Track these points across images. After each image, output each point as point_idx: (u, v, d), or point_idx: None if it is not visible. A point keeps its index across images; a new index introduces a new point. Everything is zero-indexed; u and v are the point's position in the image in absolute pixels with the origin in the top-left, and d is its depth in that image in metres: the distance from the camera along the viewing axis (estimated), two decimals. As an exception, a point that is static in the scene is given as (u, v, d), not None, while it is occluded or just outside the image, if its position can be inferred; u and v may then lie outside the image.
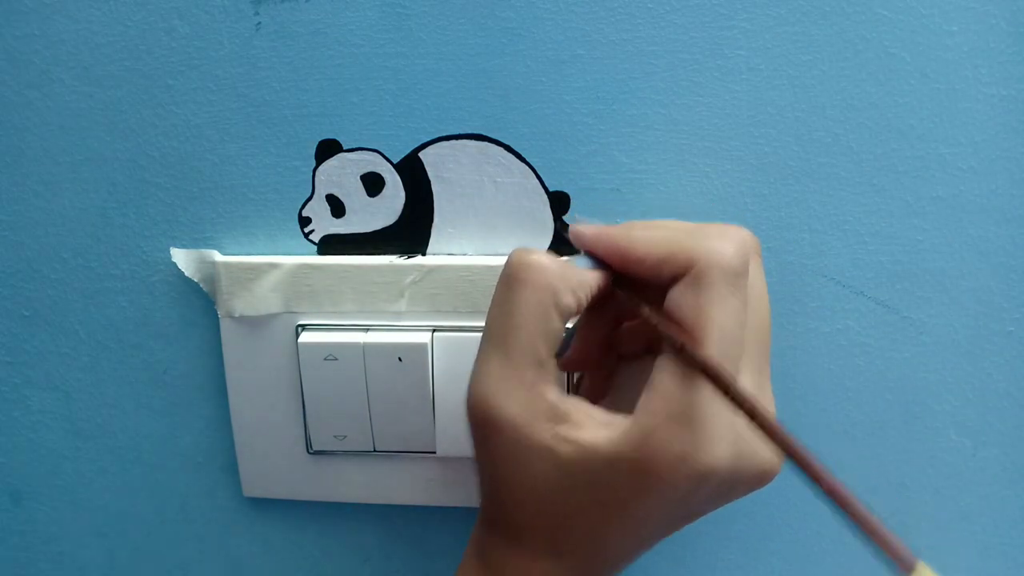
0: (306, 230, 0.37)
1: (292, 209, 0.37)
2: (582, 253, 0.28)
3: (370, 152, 0.35)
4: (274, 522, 0.41)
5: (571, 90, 0.34)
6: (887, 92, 0.33)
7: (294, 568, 0.42)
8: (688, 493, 0.26)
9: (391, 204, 0.36)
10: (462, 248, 0.36)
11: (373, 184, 0.36)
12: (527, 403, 0.27)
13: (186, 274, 0.37)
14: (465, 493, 0.38)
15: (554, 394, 0.27)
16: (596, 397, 0.31)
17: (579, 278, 0.27)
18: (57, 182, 0.37)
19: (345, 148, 0.36)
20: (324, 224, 0.37)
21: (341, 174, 0.36)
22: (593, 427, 0.26)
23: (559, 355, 0.31)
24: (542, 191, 0.35)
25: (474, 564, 0.30)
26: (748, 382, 0.27)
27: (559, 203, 0.35)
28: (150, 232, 0.37)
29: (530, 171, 0.35)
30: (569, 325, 0.29)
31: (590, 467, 0.26)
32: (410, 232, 0.36)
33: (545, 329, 0.27)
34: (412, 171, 0.35)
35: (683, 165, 0.34)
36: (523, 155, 0.35)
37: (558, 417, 0.26)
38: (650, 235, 0.27)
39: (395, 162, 0.35)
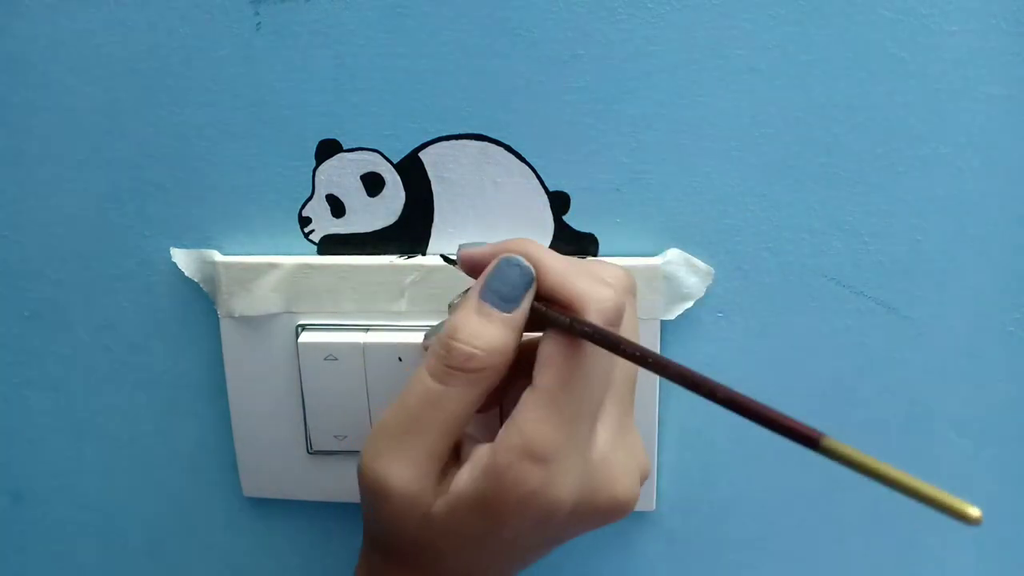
0: (306, 230, 0.37)
1: (292, 209, 0.37)
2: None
3: (370, 152, 0.35)
4: (274, 522, 0.41)
5: (571, 90, 0.34)
6: (887, 92, 0.33)
7: (294, 568, 0.42)
8: (540, 524, 0.27)
9: (391, 204, 0.36)
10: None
11: (373, 184, 0.36)
12: (416, 479, 0.27)
13: (186, 274, 0.37)
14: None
15: (449, 469, 0.28)
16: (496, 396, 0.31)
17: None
18: (57, 182, 0.37)
19: (345, 148, 0.35)
20: (324, 224, 0.37)
21: (341, 174, 0.36)
22: (462, 476, 0.27)
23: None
24: (542, 191, 0.35)
25: (363, 571, 0.31)
26: (610, 420, 0.28)
27: (559, 203, 0.35)
28: (150, 232, 0.37)
29: (530, 171, 0.35)
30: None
31: (457, 514, 0.27)
32: (410, 232, 0.36)
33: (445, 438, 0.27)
34: (412, 171, 0.35)
35: (683, 165, 0.34)
36: (523, 155, 0.35)
37: (443, 483, 0.28)
38: (557, 272, 0.27)
39: (395, 162, 0.35)
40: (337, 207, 0.36)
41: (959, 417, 0.37)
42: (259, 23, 0.34)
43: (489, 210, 0.36)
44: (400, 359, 0.35)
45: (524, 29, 0.33)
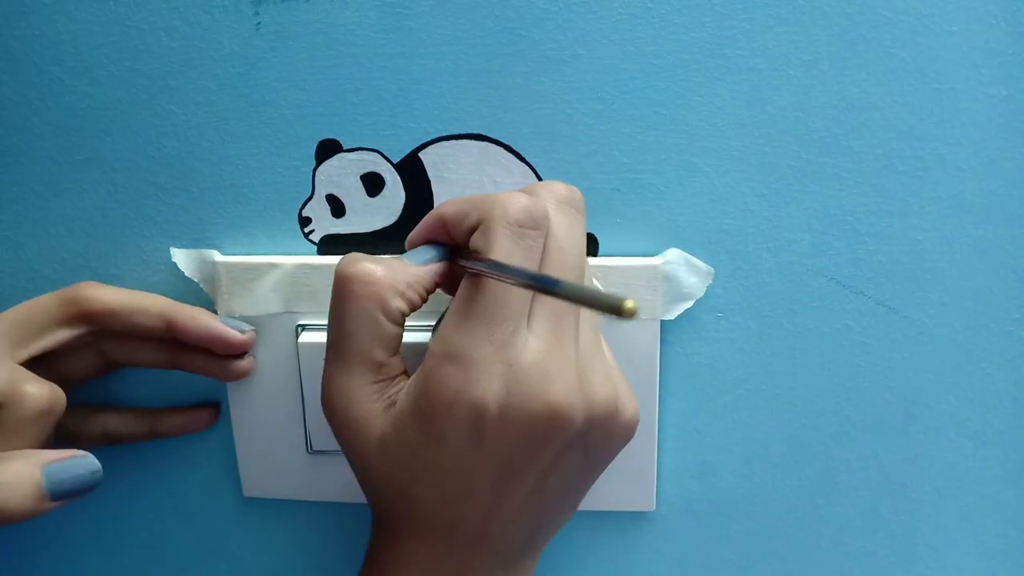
0: (306, 230, 0.37)
1: (292, 209, 0.37)
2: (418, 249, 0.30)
3: (370, 152, 0.35)
4: (274, 522, 0.41)
5: (571, 90, 0.34)
6: (887, 92, 0.33)
7: (294, 568, 0.42)
8: (475, 432, 0.27)
9: (391, 204, 0.36)
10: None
11: (373, 184, 0.36)
12: (367, 403, 0.29)
13: (186, 274, 0.37)
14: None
15: (394, 388, 0.29)
16: None
17: (408, 277, 0.29)
18: (57, 182, 0.37)
19: (345, 148, 0.36)
20: (324, 224, 0.37)
21: (341, 174, 0.36)
22: (401, 394, 0.29)
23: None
24: (542, 191, 0.35)
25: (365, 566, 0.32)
26: (541, 329, 0.28)
27: (559, 203, 0.35)
28: (150, 232, 0.37)
29: (530, 171, 0.35)
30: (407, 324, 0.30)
31: (402, 432, 0.28)
32: (410, 232, 0.36)
33: (377, 335, 0.29)
34: (412, 171, 0.35)
35: (683, 165, 0.34)
36: (523, 155, 0.35)
37: (391, 405, 0.29)
38: (460, 199, 0.30)
39: (395, 162, 0.35)
40: (337, 207, 0.36)
41: (959, 417, 0.37)
42: (259, 23, 0.34)
43: (489, 210, 0.36)
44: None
45: (524, 29, 0.33)
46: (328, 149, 0.36)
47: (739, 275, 0.36)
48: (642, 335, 0.35)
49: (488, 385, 0.27)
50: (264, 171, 0.36)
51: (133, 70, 0.35)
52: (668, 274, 0.35)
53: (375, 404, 0.29)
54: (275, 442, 0.38)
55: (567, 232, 0.29)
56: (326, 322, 0.36)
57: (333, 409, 0.30)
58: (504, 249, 0.27)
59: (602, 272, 0.35)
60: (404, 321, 0.29)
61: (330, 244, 0.37)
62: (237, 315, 0.36)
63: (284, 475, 0.39)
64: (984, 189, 0.34)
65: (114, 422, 0.38)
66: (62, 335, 0.34)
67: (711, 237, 0.35)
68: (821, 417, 0.37)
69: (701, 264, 0.35)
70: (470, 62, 0.34)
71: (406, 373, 0.30)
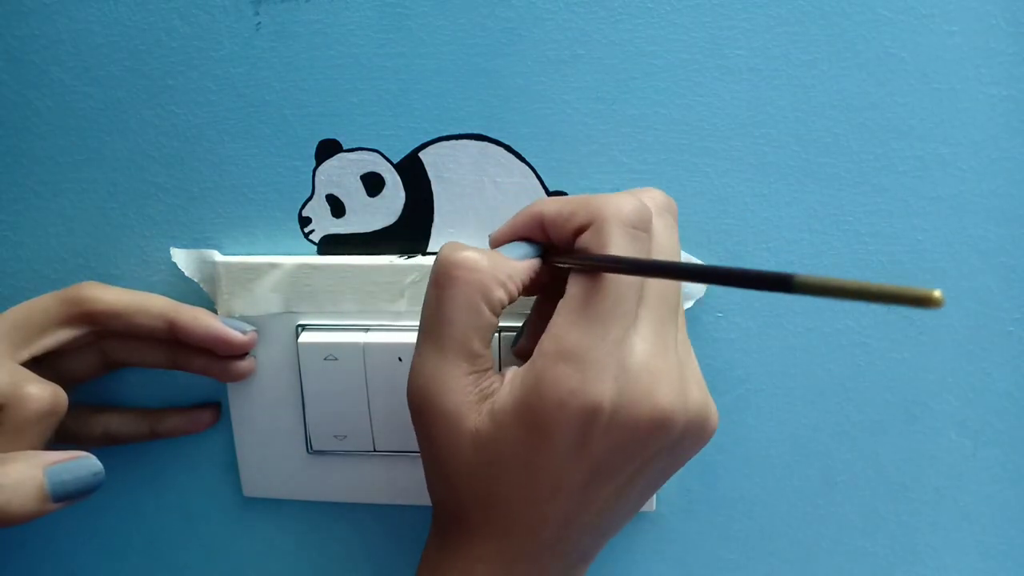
0: (306, 230, 0.37)
1: (292, 209, 0.37)
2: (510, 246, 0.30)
3: (370, 152, 0.35)
4: (274, 522, 0.41)
5: (571, 90, 0.34)
6: (887, 92, 0.33)
7: (294, 568, 0.42)
8: (584, 433, 0.26)
9: (391, 204, 0.36)
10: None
11: (373, 184, 0.36)
12: (461, 395, 0.28)
13: (186, 274, 0.37)
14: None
15: (486, 382, 0.29)
16: None
17: (509, 269, 0.29)
18: (57, 182, 0.37)
19: (345, 148, 0.36)
20: (324, 224, 0.37)
21: (341, 174, 0.36)
22: (503, 390, 0.28)
23: (513, 344, 0.34)
24: (542, 191, 0.35)
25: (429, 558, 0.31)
26: (647, 331, 0.27)
27: (559, 203, 0.35)
28: (150, 232, 0.37)
29: (530, 171, 0.35)
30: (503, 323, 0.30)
31: (503, 429, 0.27)
32: (410, 232, 0.36)
33: (477, 324, 0.28)
34: (412, 171, 0.35)
35: (683, 165, 0.34)
36: (523, 155, 0.35)
37: (485, 398, 0.28)
38: (560, 199, 0.29)
39: (395, 162, 0.36)
40: (337, 207, 0.36)
41: (959, 417, 0.37)
42: (259, 23, 0.34)
43: (489, 210, 0.36)
44: (400, 359, 0.35)
45: (524, 29, 0.33)
46: (328, 149, 0.36)
47: (739, 275, 0.35)
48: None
49: (605, 386, 0.26)
50: (264, 171, 0.36)
51: (133, 70, 0.35)
52: (668, 274, 0.35)
53: (469, 396, 0.28)
54: (275, 442, 0.38)
55: (667, 238, 0.29)
56: (326, 322, 0.36)
57: (425, 397, 0.29)
58: (620, 249, 0.27)
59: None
60: (500, 313, 0.29)
61: (330, 244, 0.37)
62: (237, 315, 0.36)
63: (284, 475, 0.39)
64: (984, 189, 0.34)
65: (115, 422, 0.38)
66: (63, 335, 0.34)
67: (711, 237, 0.35)
68: (821, 417, 0.37)
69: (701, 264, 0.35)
70: (470, 62, 0.34)
71: (493, 369, 0.30)
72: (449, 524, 0.30)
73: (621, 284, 0.27)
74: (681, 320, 0.30)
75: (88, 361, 0.36)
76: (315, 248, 0.37)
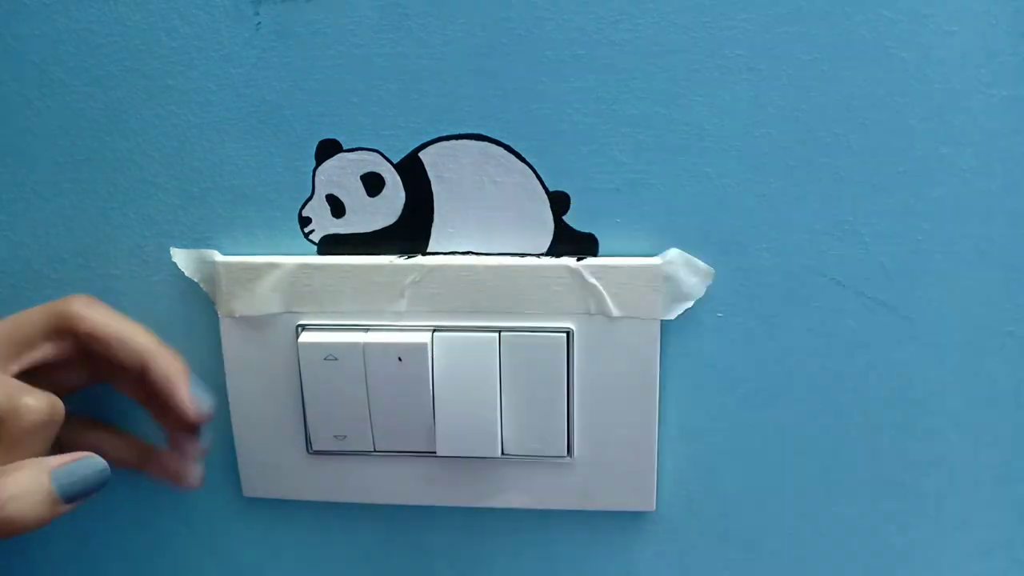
0: (306, 230, 0.37)
1: (292, 209, 0.37)
2: None
3: (370, 152, 0.35)
4: (274, 522, 0.41)
5: (571, 90, 0.34)
6: (887, 92, 0.33)
7: (294, 568, 0.42)
8: None
9: (391, 204, 0.36)
10: (462, 248, 0.36)
11: (373, 184, 0.36)
12: None
13: (186, 274, 0.37)
14: (465, 493, 0.38)
15: None
16: None
17: None
18: (57, 182, 0.37)
19: (345, 148, 0.36)
20: (324, 224, 0.37)
21: (341, 174, 0.36)
22: None
23: None
24: (542, 191, 0.35)
25: None
26: None
27: (559, 203, 0.35)
28: (150, 232, 0.37)
29: (530, 171, 0.35)
30: None
31: None
32: (410, 232, 0.36)
33: None
34: (412, 171, 0.35)
35: (683, 165, 0.34)
36: (523, 155, 0.35)
37: None
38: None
39: (395, 162, 0.35)
40: (337, 207, 0.36)
41: (959, 417, 0.37)
42: (259, 23, 0.34)
43: (489, 210, 0.36)
44: (400, 359, 0.35)
45: (524, 29, 0.33)
46: (328, 149, 0.36)
47: (739, 275, 0.36)
48: (642, 335, 0.35)
49: None
50: (264, 171, 0.36)
51: (133, 70, 0.35)
52: (668, 274, 0.35)
53: None
54: (275, 442, 0.38)
55: None
56: (326, 322, 0.36)
57: None
58: None
59: (602, 272, 0.35)
60: None
61: (330, 244, 0.37)
62: (237, 315, 0.36)
63: (284, 475, 0.39)
64: (984, 189, 0.34)
65: (106, 443, 0.37)
66: (50, 349, 0.34)
67: (711, 237, 0.35)
68: (821, 417, 0.37)
69: (701, 264, 0.35)
70: (470, 62, 0.34)
71: None
72: None
73: None
74: None
75: (78, 373, 0.36)
76: (315, 248, 0.37)
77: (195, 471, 0.36)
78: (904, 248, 0.35)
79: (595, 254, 0.36)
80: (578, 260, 0.35)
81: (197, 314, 0.38)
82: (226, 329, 0.37)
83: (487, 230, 0.36)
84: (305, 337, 0.36)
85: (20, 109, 0.36)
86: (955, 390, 0.36)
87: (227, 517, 0.41)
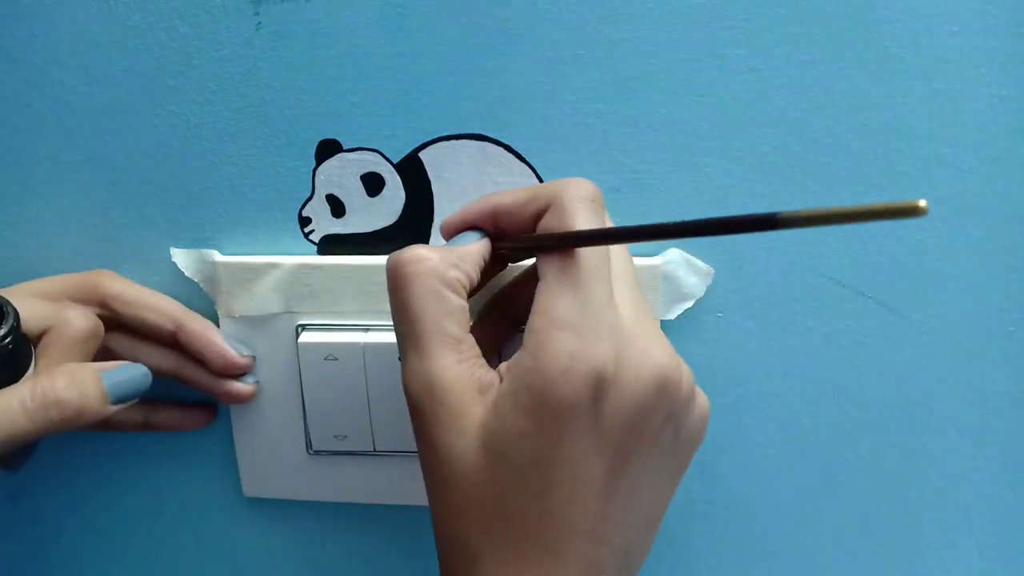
0: (306, 230, 0.37)
1: (292, 209, 0.37)
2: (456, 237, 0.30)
3: (370, 152, 0.35)
4: (274, 522, 0.41)
5: (571, 90, 0.34)
6: (887, 92, 0.33)
7: (294, 568, 0.42)
8: (596, 410, 0.25)
9: (391, 204, 0.36)
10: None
11: (373, 184, 0.36)
12: (459, 386, 0.27)
13: (186, 274, 0.37)
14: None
15: (481, 371, 0.27)
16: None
17: (459, 253, 0.29)
18: (57, 182, 0.37)
19: (345, 148, 0.36)
20: (324, 224, 0.37)
21: (341, 174, 0.36)
22: (501, 380, 0.27)
23: None
24: (542, 191, 0.35)
25: None
26: (625, 295, 0.27)
27: (559, 203, 0.35)
28: (150, 232, 0.37)
29: (530, 171, 0.35)
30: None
31: (506, 421, 0.26)
32: (410, 232, 0.36)
33: (446, 309, 0.27)
34: (412, 171, 0.35)
35: (683, 165, 0.34)
36: (523, 155, 0.35)
37: (484, 389, 0.27)
38: (512, 190, 0.30)
39: (395, 162, 0.36)
40: (337, 207, 0.36)
41: (959, 417, 0.37)
42: (259, 23, 0.34)
43: (489, 210, 0.36)
44: (400, 359, 0.35)
45: (524, 29, 0.33)
46: (328, 149, 0.36)
47: (739, 275, 0.36)
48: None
49: (603, 345, 0.25)
50: (264, 171, 0.36)
51: (133, 70, 0.35)
52: (668, 274, 0.35)
53: (466, 387, 0.27)
54: (275, 442, 0.38)
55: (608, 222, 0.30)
56: (326, 322, 0.36)
57: (421, 402, 0.27)
58: (586, 223, 0.27)
59: (602, 272, 0.35)
60: (465, 296, 0.28)
61: (330, 244, 0.37)
62: (237, 315, 0.36)
63: (284, 475, 0.39)
64: (984, 189, 0.34)
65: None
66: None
67: (711, 237, 0.35)
68: (821, 417, 0.37)
69: (701, 264, 0.35)
70: (470, 62, 0.34)
71: (482, 359, 0.28)
72: (455, 562, 0.27)
73: (594, 254, 0.27)
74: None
75: (96, 356, 0.36)
76: (315, 248, 0.37)
77: (241, 388, 0.37)
78: (904, 248, 0.35)
79: (595, 254, 0.36)
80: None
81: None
82: (226, 329, 0.37)
83: (487, 230, 0.36)
84: (305, 337, 0.36)
85: (20, 109, 0.36)
86: (955, 390, 0.36)
87: (227, 517, 0.41)
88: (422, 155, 0.35)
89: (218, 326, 0.37)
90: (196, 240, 0.37)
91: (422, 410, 0.27)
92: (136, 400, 0.32)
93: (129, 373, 0.32)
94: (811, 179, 0.34)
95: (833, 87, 0.33)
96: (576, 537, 0.26)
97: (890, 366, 0.36)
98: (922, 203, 0.17)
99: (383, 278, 0.35)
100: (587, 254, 0.26)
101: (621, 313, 0.26)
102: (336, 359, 0.36)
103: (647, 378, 0.26)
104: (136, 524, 0.42)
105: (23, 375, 0.31)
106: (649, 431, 0.26)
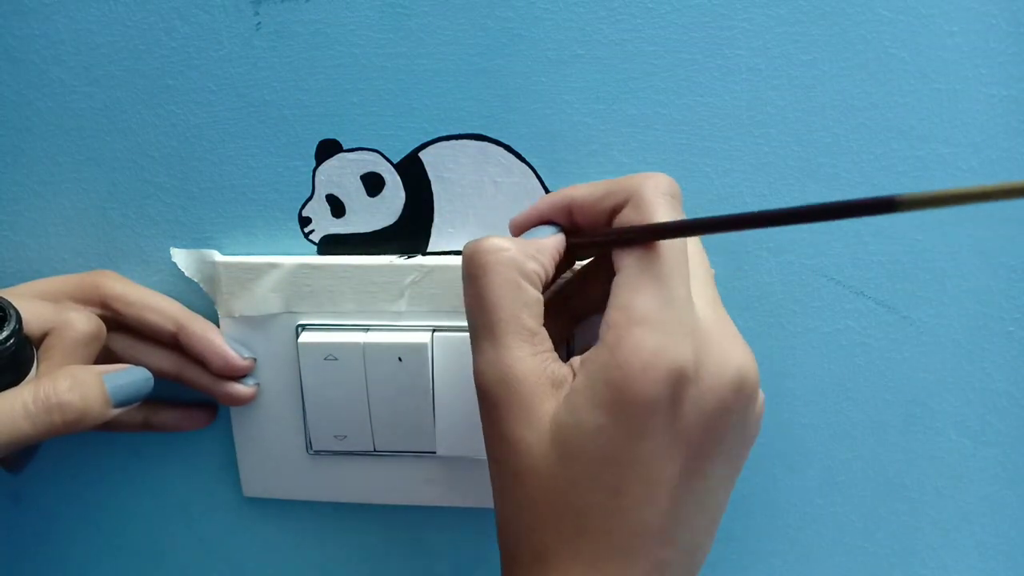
0: (306, 230, 0.37)
1: (292, 209, 0.37)
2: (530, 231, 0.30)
3: (370, 152, 0.35)
4: (274, 522, 0.41)
5: (571, 90, 0.34)
6: (887, 92, 0.33)
7: (294, 568, 0.42)
8: (675, 409, 0.25)
9: (391, 204, 0.36)
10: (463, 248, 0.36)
11: (373, 184, 0.36)
12: (533, 379, 0.26)
13: (186, 274, 0.37)
14: (465, 493, 0.38)
15: (555, 366, 0.27)
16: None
17: (536, 245, 0.28)
18: (57, 182, 0.37)
19: (345, 148, 0.36)
20: (324, 224, 0.37)
21: (341, 174, 0.36)
22: (575, 377, 0.26)
23: None
24: (542, 191, 0.35)
25: None
26: (702, 292, 0.27)
27: (559, 203, 0.35)
28: (150, 232, 0.37)
29: (530, 171, 0.35)
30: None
31: (581, 416, 0.25)
32: (410, 232, 0.36)
33: (523, 300, 0.27)
34: (412, 171, 0.35)
35: (683, 165, 0.34)
36: (523, 155, 0.35)
37: (558, 383, 0.26)
38: (587, 184, 0.29)
39: (395, 162, 0.36)
40: (337, 207, 0.36)
41: (959, 417, 0.37)
42: (259, 23, 0.34)
43: (489, 210, 0.36)
44: (400, 359, 0.35)
45: (524, 29, 0.33)
46: (328, 149, 0.36)
47: (739, 275, 0.36)
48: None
49: (685, 343, 0.25)
50: (264, 171, 0.36)
51: (133, 70, 0.35)
52: (668, 274, 0.35)
53: (540, 380, 0.26)
54: (275, 442, 0.38)
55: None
56: (326, 322, 0.36)
57: (494, 393, 0.26)
58: (666, 216, 0.26)
59: (602, 272, 0.35)
60: (541, 289, 0.28)
61: (330, 244, 0.37)
62: (237, 315, 0.36)
63: (284, 475, 0.39)
64: (984, 189, 0.34)
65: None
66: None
67: (711, 237, 0.35)
68: (821, 417, 0.37)
69: (701, 264, 0.35)
70: (470, 62, 0.34)
71: (554, 351, 0.28)
72: (521, 557, 0.27)
73: (673, 248, 0.26)
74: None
75: (96, 359, 0.36)
76: (315, 248, 0.37)
77: (242, 390, 0.37)
78: (904, 248, 0.35)
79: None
80: (578, 260, 0.35)
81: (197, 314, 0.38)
82: (226, 329, 0.37)
83: (487, 230, 0.36)
84: (305, 337, 0.36)
85: (20, 109, 0.36)
86: (955, 390, 0.36)
87: (227, 517, 0.41)
88: (422, 155, 0.35)
89: (218, 326, 0.37)
90: (196, 240, 0.37)
91: (494, 401, 0.26)
92: (138, 404, 0.32)
93: (131, 377, 0.32)
94: (811, 179, 0.34)
95: (833, 87, 0.33)
96: (646, 536, 0.25)
97: (890, 366, 0.36)
98: None
99: (383, 278, 0.36)
100: (668, 250, 0.26)
101: (700, 310, 0.26)
102: (336, 359, 0.36)
103: (727, 379, 0.25)
104: (136, 524, 0.42)
105: (25, 377, 0.31)
106: (723, 432, 0.26)
